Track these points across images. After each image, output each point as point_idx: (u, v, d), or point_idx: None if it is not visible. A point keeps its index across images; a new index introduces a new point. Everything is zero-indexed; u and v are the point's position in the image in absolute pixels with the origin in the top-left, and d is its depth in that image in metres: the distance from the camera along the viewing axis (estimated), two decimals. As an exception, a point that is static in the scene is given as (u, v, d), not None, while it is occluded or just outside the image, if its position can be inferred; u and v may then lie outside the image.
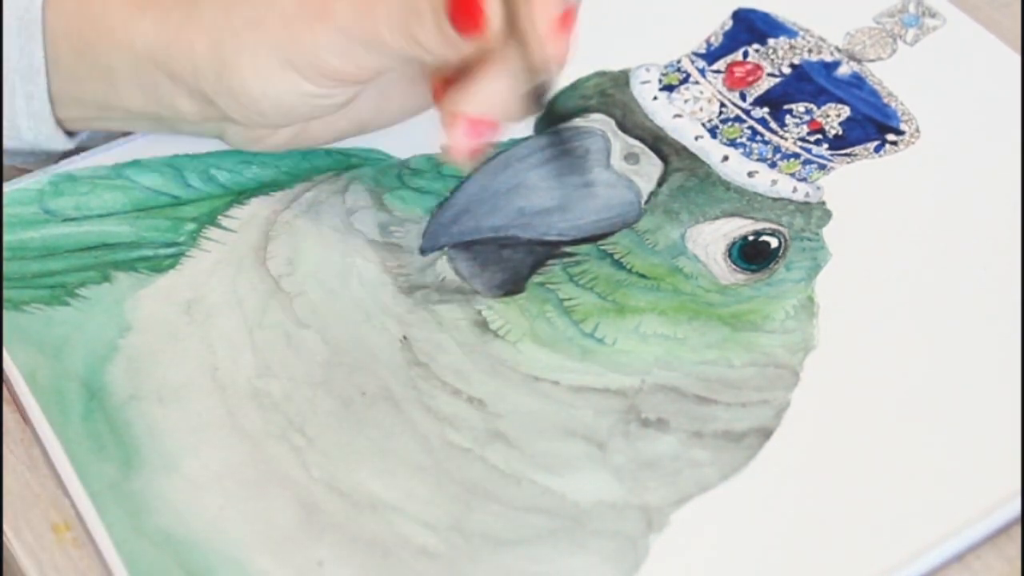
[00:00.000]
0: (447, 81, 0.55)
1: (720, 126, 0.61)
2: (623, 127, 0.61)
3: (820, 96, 0.63)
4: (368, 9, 0.51)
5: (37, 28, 0.54)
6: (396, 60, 0.53)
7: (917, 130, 0.62)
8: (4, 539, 0.50)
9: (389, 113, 0.59)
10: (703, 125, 0.61)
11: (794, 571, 0.49)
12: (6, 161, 0.60)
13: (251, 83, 0.53)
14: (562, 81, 0.63)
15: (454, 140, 0.53)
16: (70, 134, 0.58)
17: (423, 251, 0.57)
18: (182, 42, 0.53)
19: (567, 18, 0.51)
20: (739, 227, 0.58)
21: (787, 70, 0.64)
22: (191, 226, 0.58)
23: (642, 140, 0.61)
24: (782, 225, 0.58)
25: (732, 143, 0.61)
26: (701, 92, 0.63)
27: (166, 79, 0.54)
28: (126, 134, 0.61)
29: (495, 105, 0.52)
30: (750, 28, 0.66)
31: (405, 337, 0.54)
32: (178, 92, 0.55)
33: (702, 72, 0.64)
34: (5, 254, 0.57)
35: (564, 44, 0.51)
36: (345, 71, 0.53)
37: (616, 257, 0.57)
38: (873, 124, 0.62)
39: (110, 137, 0.61)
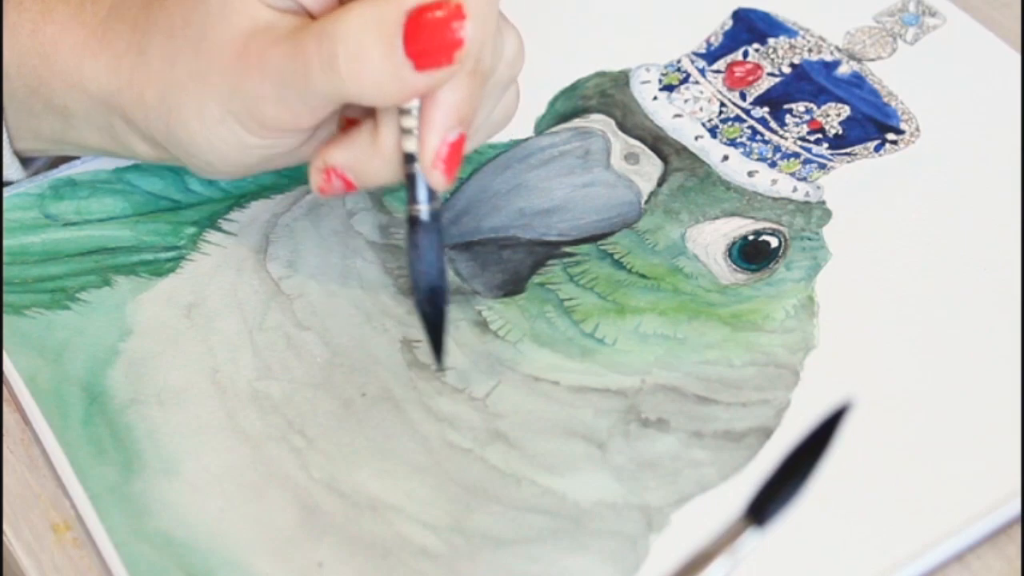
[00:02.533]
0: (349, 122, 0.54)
1: (720, 126, 0.61)
2: (623, 127, 0.61)
3: (820, 95, 0.63)
4: (299, 53, 0.49)
5: None
6: (329, 101, 0.50)
7: (917, 129, 0.62)
8: (4, 539, 0.50)
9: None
10: (703, 125, 0.61)
11: (794, 571, 0.49)
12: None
13: (197, 135, 0.52)
14: (562, 82, 0.64)
15: (315, 182, 0.52)
16: (25, 162, 0.58)
17: (423, 252, 0.57)
18: (133, 90, 0.52)
19: (454, 152, 0.50)
20: (739, 227, 0.58)
21: (787, 69, 0.64)
22: (191, 230, 0.58)
23: (642, 140, 0.61)
24: (782, 224, 0.58)
25: (732, 143, 0.61)
26: (701, 92, 0.63)
27: (121, 122, 0.54)
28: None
29: (362, 169, 0.51)
30: (750, 28, 0.66)
31: (405, 338, 0.54)
32: (133, 135, 0.54)
33: (702, 72, 0.64)
34: (6, 259, 0.57)
35: (444, 178, 0.50)
36: (281, 120, 0.51)
37: (616, 257, 0.57)
38: (873, 123, 0.62)
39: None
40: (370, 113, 0.51)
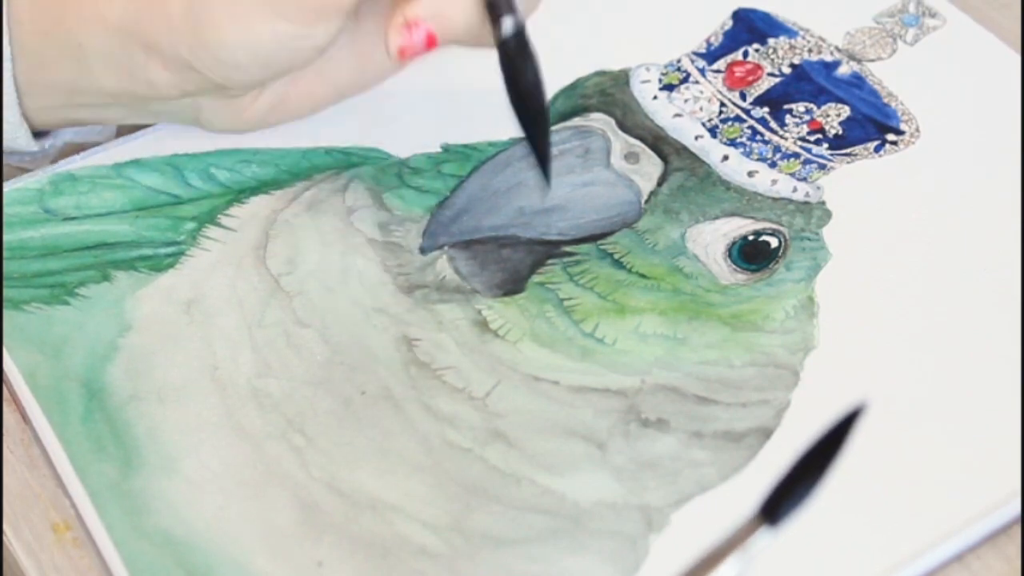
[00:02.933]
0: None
1: (720, 126, 0.61)
2: (623, 126, 0.61)
3: (820, 96, 0.63)
4: None
5: None
6: None
7: (917, 130, 0.62)
8: (4, 539, 0.50)
9: (366, 74, 0.59)
10: (703, 125, 0.61)
11: (794, 571, 0.49)
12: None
13: (228, 33, 0.52)
14: (562, 80, 0.64)
15: (394, 42, 0.53)
16: (38, 136, 0.58)
17: (423, 250, 0.57)
18: (154, 7, 0.53)
19: None
20: (739, 227, 0.58)
21: (787, 70, 0.64)
22: (191, 225, 0.58)
23: (642, 139, 0.61)
24: (782, 225, 0.58)
25: (732, 143, 0.61)
26: (701, 92, 0.63)
27: (140, 50, 0.54)
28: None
29: (446, 13, 0.52)
30: (750, 28, 0.66)
31: (405, 336, 0.54)
32: (153, 63, 0.54)
33: (702, 72, 0.64)
34: (6, 254, 0.57)
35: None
36: (325, 1, 0.52)
37: (616, 257, 0.57)
38: (873, 124, 0.62)
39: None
40: None
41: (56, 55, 0.54)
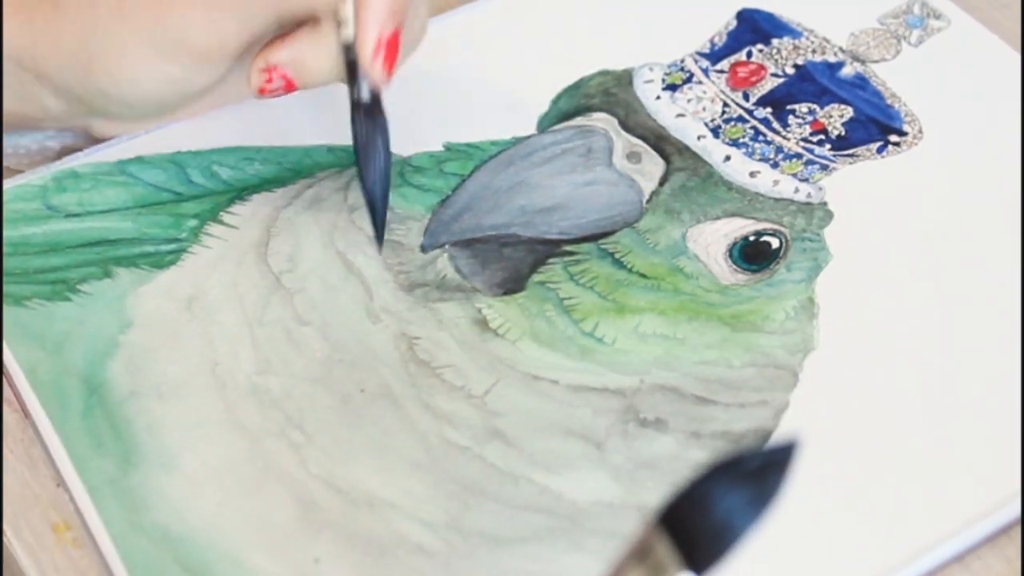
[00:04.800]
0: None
1: (723, 126, 0.61)
2: (625, 126, 0.61)
3: (823, 97, 0.63)
4: None
5: None
6: (264, 21, 0.52)
7: (920, 131, 0.62)
8: (4, 539, 0.50)
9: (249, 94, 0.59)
10: (706, 125, 0.61)
11: (793, 572, 0.49)
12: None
13: (119, 74, 0.53)
14: (566, 80, 0.64)
15: (255, 82, 0.54)
16: None
17: (424, 249, 0.57)
18: (48, 42, 0.53)
19: (391, 46, 0.52)
20: (740, 227, 0.58)
21: (790, 70, 0.64)
22: (193, 222, 0.58)
23: (644, 139, 0.61)
24: (783, 225, 0.58)
25: (734, 143, 0.61)
26: (704, 92, 0.63)
27: (32, 79, 0.54)
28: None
29: (304, 65, 0.53)
30: (754, 28, 0.66)
31: (404, 334, 0.54)
32: (45, 92, 0.55)
33: (705, 72, 0.64)
34: (8, 249, 0.57)
35: (384, 72, 0.52)
36: (211, 43, 0.53)
37: (617, 256, 0.57)
38: (876, 125, 0.62)
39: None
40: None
41: None
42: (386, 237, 0.57)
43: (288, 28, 0.55)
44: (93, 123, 0.59)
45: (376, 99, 0.53)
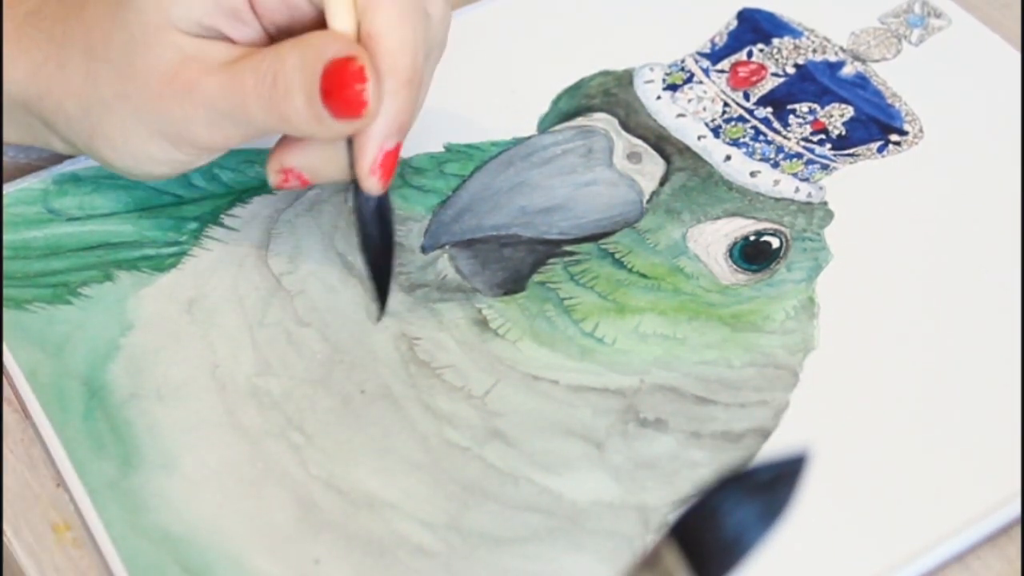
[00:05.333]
0: None
1: (723, 126, 0.61)
2: (626, 126, 0.61)
3: (824, 96, 0.63)
4: (236, 83, 0.50)
5: None
6: (265, 131, 0.52)
7: (920, 131, 0.62)
8: (4, 539, 0.50)
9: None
10: (706, 125, 0.61)
11: (793, 572, 0.49)
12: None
13: (121, 150, 0.53)
14: (566, 80, 0.64)
15: (273, 181, 0.53)
16: None
17: (424, 249, 0.57)
18: (53, 99, 0.53)
19: (389, 159, 0.51)
20: (740, 227, 0.58)
21: (791, 70, 0.64)
22: (193, 225, 0.58)
23: (645, 139, 0.61)
24: (784, 225, 0.58)
25: (735, 143, 0.61)
26: (705, 92, 0.63)
27: (39, 123, 0.54)
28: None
29: (318, 169, 0.53)
30: (755, 28, 0.66)
31: (405, 335, 0.54)
32: (52, 136, 0.54)
33: (706, 72, 0.64)
34: (9, 253, 0.57)
35: (379, 185, 0.51)
36: (213, 142, 0.52)
37: (617, 256, 0.57)
38: (876, 124, 0.62)
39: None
40: None
41: None
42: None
43: None
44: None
45: (384, 201, 0.53)
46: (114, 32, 0.51)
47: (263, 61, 0.50)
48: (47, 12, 0.53)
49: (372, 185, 0.51)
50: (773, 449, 0.51)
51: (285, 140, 0.53)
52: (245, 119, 0.51)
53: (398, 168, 0.59)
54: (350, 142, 0.51)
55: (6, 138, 0.56)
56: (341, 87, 0.49)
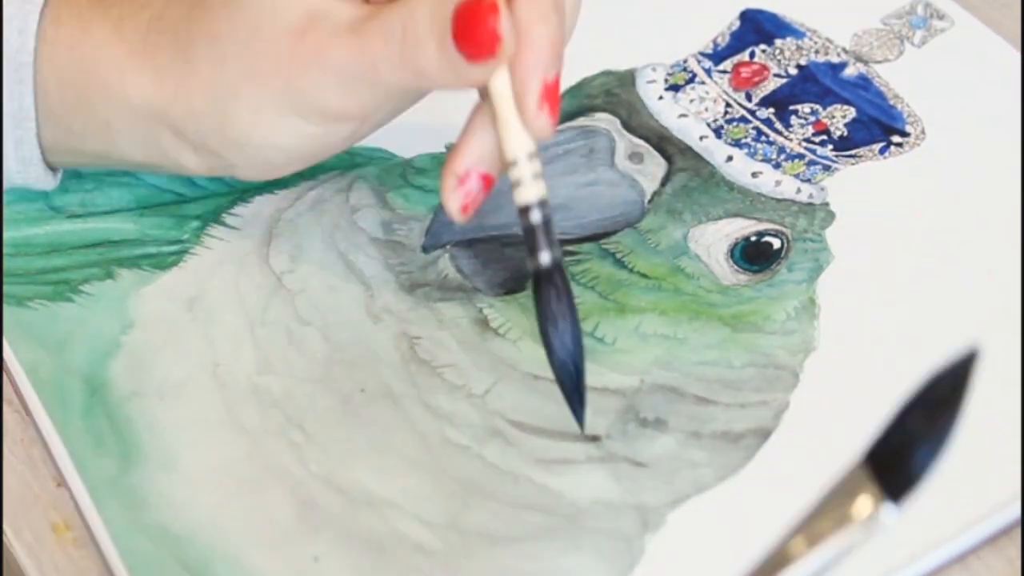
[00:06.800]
0: None
1: (725, 126, 0.61)
2: (628, 126, 0.61)
3: (826, 97, 0.63)
4: (364, 46, 0.49)
5: (28, 72, 0.53)
6: (399, 91, 0.51)
7: (922, 132, 0.62)
8: (4, 539, 0.50)
9: (400, 112, 0.57)
10: (708, 125, 0.61)
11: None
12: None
13: (254, 134, 0.52)
14: (568, 80, 0.63)
15: (454, 205, 0.51)
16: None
17: (425, 249, 0.57)
18: (180, 101, 0.52)
19: (553, 93, 0.49)
20: (742, 228, 0.58)
21: (793, 71, 0.64)
22: (195, 223, 0.58)
23: (646, 140, 0.61)
24: (785, 226, 0.58)
25: (737, 143, 0.61)
26: (707, 92, 0.63)
27: (169, 134, 0.53)
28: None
29: (486, 152, 0.51)
30: (757, 29, 0.66)
31: (405, 334, 0.54)
32: (182, 147, 0.53)
33: (708, 72, 0.64)
34: (10, 250, 0.57)
35: (549, 122, 0.49)
36: (347, 109, 0.51)
37: (618, 256, 0.57)
38: (878, 126, 0.62)
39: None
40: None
41: (82, 127, 0.54)
42: (387, 238, 0.57)
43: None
44: (237, 173, 0.56)
45: (558, 265, 0.50)
46: (239, 9, 0.51)
47: (389, 18, 0.49)
48: (169, 15, 0.53)
49: (543, 124, 0.49)
50: (773, 450, 0.51)
51: (450, 155, 0.52)
52: (377, 79, 0.49)
53: (398, 168, 0.60)
54: (514, 192, 0.49)
55: (133, 158, 0.55)
56: (475, 24, 0.47)
